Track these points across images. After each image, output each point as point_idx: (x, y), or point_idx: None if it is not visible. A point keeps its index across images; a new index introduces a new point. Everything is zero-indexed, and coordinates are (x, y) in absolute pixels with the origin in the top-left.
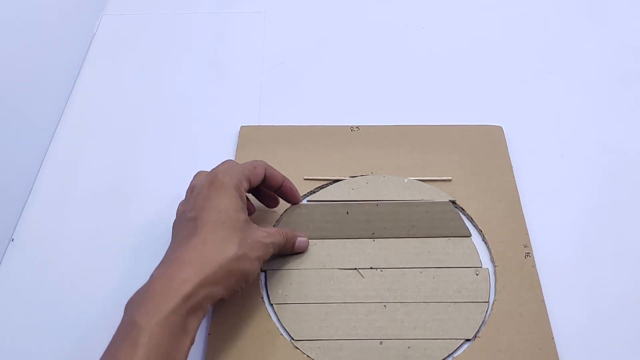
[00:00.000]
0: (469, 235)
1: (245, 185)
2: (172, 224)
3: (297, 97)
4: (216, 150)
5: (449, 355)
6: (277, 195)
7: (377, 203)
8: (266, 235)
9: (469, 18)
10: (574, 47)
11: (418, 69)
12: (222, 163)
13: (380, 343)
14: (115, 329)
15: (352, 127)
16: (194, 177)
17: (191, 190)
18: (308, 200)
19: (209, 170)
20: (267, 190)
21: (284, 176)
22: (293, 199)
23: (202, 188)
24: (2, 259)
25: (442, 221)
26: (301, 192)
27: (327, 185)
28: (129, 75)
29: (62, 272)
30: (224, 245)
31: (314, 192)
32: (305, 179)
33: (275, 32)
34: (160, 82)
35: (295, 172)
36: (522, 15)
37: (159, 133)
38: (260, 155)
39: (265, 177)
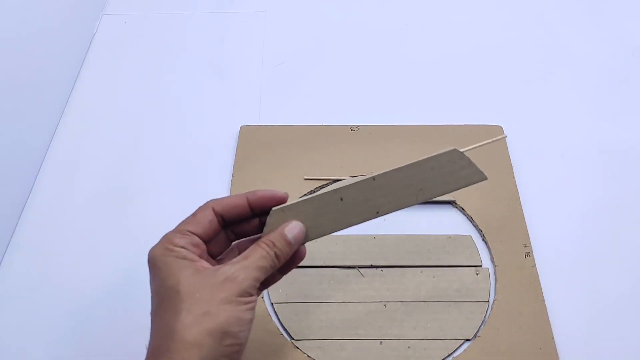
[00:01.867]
0: (485, 179)
1: (182, 241)
2: (171, 225)
3: (297, 97)
4: (216, 150)
5: (448, 355)
6: (259, 217)
7: (373, 177)
8: (238, 269)
9: (469, 18)
10: (574, 47)
11: (418, 69)
12: None
13: (380, 343)
14: (114, 329)
15: (352, 127)
16: None
17: None
18: None
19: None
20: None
21: (245, 194)
22: (274, 202)
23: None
24: (2, 259)
25: (453, 174)
26: (301, 192)
27: (327, 185)
28: (129, 75)
29: (62, 272)
30: (172, 326)
31: (314, 192)
32: (306, 179)
33: (275, 32)
34: (160, 82)
35: (295, 172)
36: (522, 15)
37: (159, 133)
38: (260, 155)
39: (220, 214)
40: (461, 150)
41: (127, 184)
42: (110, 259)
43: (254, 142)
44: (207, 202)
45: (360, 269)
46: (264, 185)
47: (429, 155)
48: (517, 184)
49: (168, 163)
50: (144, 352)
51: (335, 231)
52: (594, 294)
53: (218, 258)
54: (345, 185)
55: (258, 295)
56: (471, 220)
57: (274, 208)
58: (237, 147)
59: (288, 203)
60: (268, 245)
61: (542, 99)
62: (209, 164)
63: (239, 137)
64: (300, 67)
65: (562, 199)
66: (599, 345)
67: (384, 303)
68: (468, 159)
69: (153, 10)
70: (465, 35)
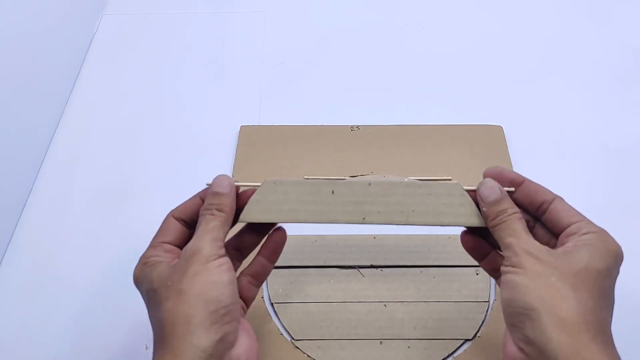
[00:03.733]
0: (483, 226)
1: (154, 252)
2: None
3: (297, 97)
4: (216, 150)
5: (449, 355)
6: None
7: (369, 182)
8: (195, 241)
9: (469, 18)
10: (574, 47)
11: (418, 69)
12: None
13: (380, 343)
14: (114, 329)
15: (352, 127)
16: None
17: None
18: None
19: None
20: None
21: (198, 194)
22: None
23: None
24: (2, 259)
25: (449, 207)
26: None
27: None
28: (129, 75)
29: (62, 272)
30: (160, 317)
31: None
32: (306, 179)
33: (275, 32)
34: (160, 82)
35: (295, 172)
36: (522, 15)
37: (159, 133)
38: (260, 155)
39: (181, 218)
40: (465, 188)
41: (127, 183)
42: (111, 258)
43: (254, 142)
44: (168, 214)
45: (360, 269)
46: None
47: (428, 179)
48: None
49: (168, 163)
50: (143, 351)
51: (319, 222)
52: None
53: None
54: (340, 181)
55: (242, 260)
56: None
57: (267, 179)
58: (237, 147)
59: (284, 178)
60: (206, 208)
61: (542, 99)
62: (209, 164)
63: (239, 137)
64: (300, 67)
65: None
66: None
67: (384, 303)
68: (469, 198)
69: (153, 10)
70: (465, 35)
